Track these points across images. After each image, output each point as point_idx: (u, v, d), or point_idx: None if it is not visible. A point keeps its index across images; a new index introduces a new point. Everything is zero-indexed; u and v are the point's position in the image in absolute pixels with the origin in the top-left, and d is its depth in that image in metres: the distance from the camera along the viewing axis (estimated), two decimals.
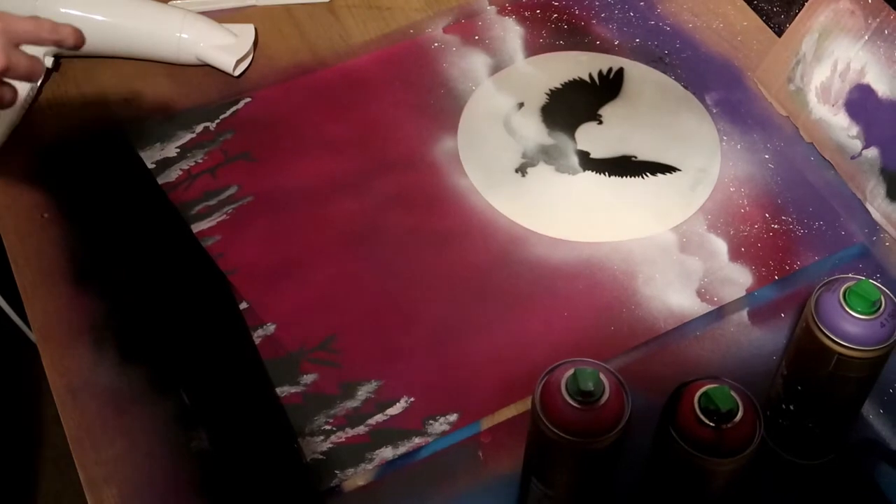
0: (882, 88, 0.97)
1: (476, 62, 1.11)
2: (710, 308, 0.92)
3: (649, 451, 0.73)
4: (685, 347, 0.89)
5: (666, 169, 1.02)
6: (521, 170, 1.02)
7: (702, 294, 0.93)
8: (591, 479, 0.72)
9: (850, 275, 0.77)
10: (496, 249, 0.96)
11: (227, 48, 1.08)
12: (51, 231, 0.96)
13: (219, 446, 0.83)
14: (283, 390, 0.86)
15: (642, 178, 1.02)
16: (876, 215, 0.98)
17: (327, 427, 0.84)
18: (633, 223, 0.98)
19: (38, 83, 1.05)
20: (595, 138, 1.05)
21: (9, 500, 1.50)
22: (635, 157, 1.03)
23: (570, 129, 1.05)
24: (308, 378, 0.87)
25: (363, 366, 0.88)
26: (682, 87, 1.09)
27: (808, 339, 0.74)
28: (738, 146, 1.04)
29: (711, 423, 0.67)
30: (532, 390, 0.69)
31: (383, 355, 0.88)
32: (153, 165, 1.01)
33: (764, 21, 1.15)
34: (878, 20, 0.97)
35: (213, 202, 0.98)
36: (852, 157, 1.00)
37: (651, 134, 1.05)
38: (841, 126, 1.00)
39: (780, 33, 1.11)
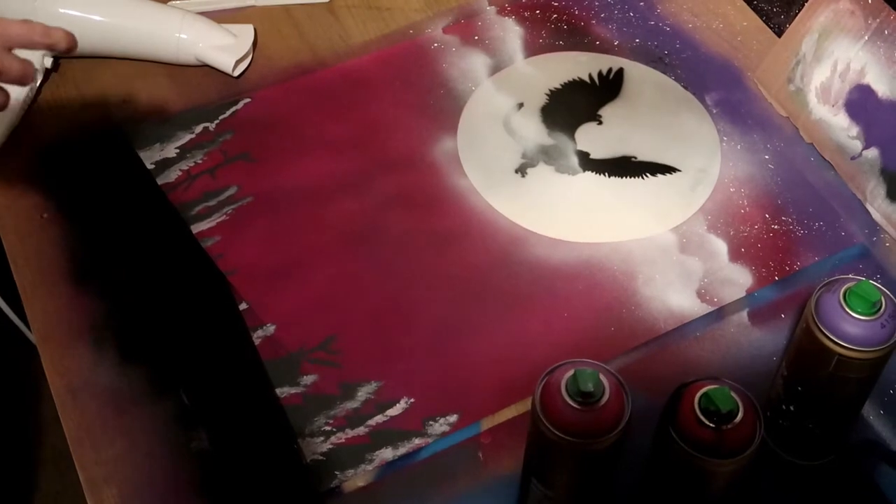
0: (882, 89, 0.97)
1: (476, 62, 1.11)
2: (710, 309, 0.92)
3: (649, 451, 0.73)
4: (685, 348, 0.89)
5: (666, 169, 1.02)
6: (521, 170, 1.02)
7: (702, 295, 0.93)
8: (591, 480, 0.72)
9: (850, 275, 0.77)
10: (496, 250, 0.96)
11: (226, 48, 1.08)
12: (50, 231, 0.96)
13: (219, 447, 0.83)
14: (282, 391, 0.86)
15: (642, 178, 1.02)
16: (876, 216, 0.98)
17: (327, 428, 0.84)
18: (632, 224, 0.98)
19: (38, 83, 1.05)
20: (595, 139, 1.05)
21: (8, 500, 1.50)
22: (635, 158, 1.03)
23: (569, 129, 1.05)
24: (308, 379, 0.87)
25: (363, 366, 0.87)
26: (681, 88, 1.09)
27: (809, 340, 0.74)
28: (738, 146, 1.04)
29: (712, 424, 0.67)
30: (532, 391, 0.69)
31: (383, 356, 0.88)
32: (153, 166, 1.01)
33: (764, 21, 1.15)
34: (878, 20, 0.97)
35: (212, 203, 0.98)
36: (852, 158, 1.00)
37: (651, 134, 1.05)
38: (841, 126, 1.00)
39: (779, 33, 1.11)
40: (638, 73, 1.10)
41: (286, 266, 0.94)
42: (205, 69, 1.09)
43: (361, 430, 0.84)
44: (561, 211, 0.99)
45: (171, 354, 0.88)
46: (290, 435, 0.83)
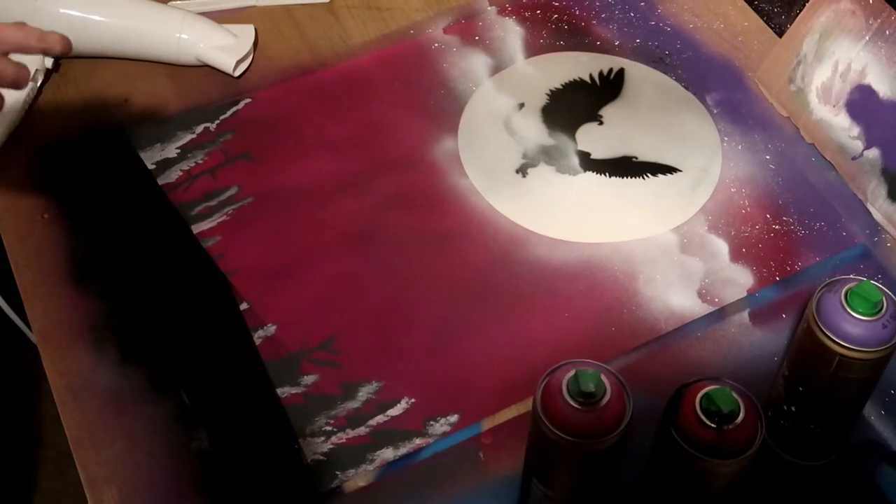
0: (883, 89, 0.97)
1: (476, 62, 1.11)
2: (711, 309, 0.92)
3: (650, 452, 0.73)
4: (686, 348, 0.89)
5: (667, 169, 1.02)
6: (522, 170, 1.02)
7: (703, 295, 0.93)
8: (592, 480, 0.72)
9: (851, 276, 0.77)
10: (496, 250, 0.96)
11: (227, 49, 1.08)
12: (51, 231, 0.96)
13: (219, 447, 0.83)
14: (283, 391, 0.86)
15: (643, 178, 1.02)
16: (877, 216, 0.98)
17: (328, 428, 0.84)
18: (633, 224, 0.98)
19: (39, 83, 1.05)
20: (596, 139, 1.05)
21: (9, 499, 1.50)
22: (636, 158, 1.03)
23: (570, 129, 1.05)
24: (309, 379, 0.87)
25: (364, 366, 0.87)
26: (682, 88, 1.09)
27: (810, 341, 0.74)
28: (739, 147, 1.04)
29: (713, 425, 0.66)
30: (533, 391, 0.69)
31: (384, 356, 0.88)
32: (153, 166, 1.01)
33: (765, 21, 1.15)
34: (879, 21, 0.97)
35: (213, 203, 0.98)
36: (853, 158, 1.00)
37: (652, 134, 1.05)
38: (842, 127, 1.00)
39: (780, 34, 1.11)
40: (639, 74, 1.10)
41: (287, 266, 0.94)
42: (205, 69, 1.09)
43: (362, 430, 0.84)
44: (562, 211, 0.99)
45: (172, 354, 0.88)
46: (291, 435, 0.83)
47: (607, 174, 1.02)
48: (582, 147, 1.04)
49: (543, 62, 1.11)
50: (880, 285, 0.73)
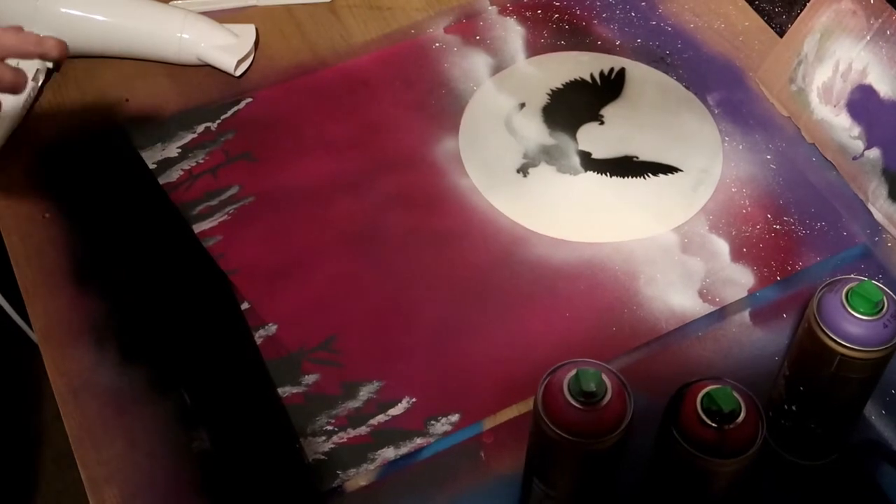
0: (884, 89, 0.97)
1: (477, 62, 1.11)
2: (711, 309, 0.92)
3: (651, 451, 0.73)
4: (687, 348, 0.89)
5: (667, 169, 1.02)
6: (523, 170, 1.02)
7: (703, 295, 0.93)
8: (593, 480, 0.72)
9: (852, 275, 0.77)
10: (497, 250, 0.96)
11: (228, 48, 1.08)
12: (52, 231, 0.96)
13: (220, 446, 0.83)
14: (284, 390, 0.86)
15: (644, 178, 1.02)
16: (878, 216, 0.98)
17: (329, 427, 0.84)
18: (634, 224, 0.98)
19: (40, 83, 1.05)
20: (596, 138, 1.05)
21: (10, 499, 1.50)
22: (637, 158, 1.03)
23: (571, 129, 1.05)
24: (309, 378, 0.87)
25: (365, 366, 0.87)
26: (683, 88, 1.09)
27: (811, 340, 0.74)
28: (740, 147, 1.04)
29: (714, 424, 0.67)
30: (534, 391, 0.69)
31: (385, 355, 0.88)
32: (154, 165, 1.01)
33: (765, 21, 1.15)
34: (880, 20, 0.97)
35: (214, 202, 0.98)
36: (854, 158, 1.00)
37: (652, 134, 1.05)
38: (843, 127, 1.00)
39: (781, 34, 1.11)
40: (639, 73, 1.10)
41: (288, 266, 0.94)
42: (206, 69, 1.09)
43: (363, 429, 0.84)
44: (562, 211, 0.99)
45: (173, 354, 0.88)
46: (292, 434, 0.83)
47: (608, 174, 1.02)
48: (583, 147, 1.04)
49: (544, 62, 1.11)
50: (881, 285, 0.73)
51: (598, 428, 0.67)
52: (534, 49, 1.12)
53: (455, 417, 0.85)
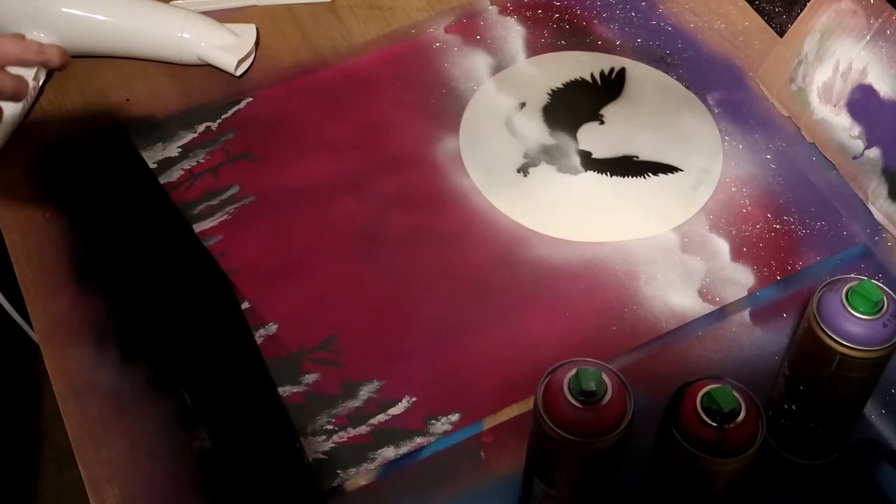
0: (884, 89, 0.97)
1: (477, 62, 1.11)
2: (711, 308, 0.92)
3: (652, 451, 0.73)
4: (687, 347, 0.89)
5: (668, 169, 1.02)
6: (523, 170, 1.02)
7: (703, 294, 0.93)
8: (593, 479, 0.72)
9: (852, 275, 0.77)
10: (498, 249, 0.96)
11: (228, 48, 1.08)
12: (52, 231, 0.96)
13: (220, 446, 0.83)
14: (284, 390, 0.86)
15: (644, 178, 1.02)
16: (878, 215, 0.98)
17: (329, 427, 0.84)
18: (634, 223, 0.98)
19: (40, 83, 1.05)
20: (597, 138, 1.05)
21: (10, 498, 1.50)
22: (637, 157, 1.03)
23: (571, 129, 1.05)
24: (310, 378, 0.87)
25: (365, 365, 0.87)
26: (683, 88, 1.09)
27: (811, 340, 0.74)
28: (740, 146, 1.04)
29: (714, 423, 0.67)
30: (534, 390, 0.69)
31: (385, 355, 0.88)
32: (155, 165, 1.01)
33: (766, 21, 1.15)
34: (880, 20, 0.97)
35: (214, 202, 0.98)
36: (854, 158, 1.00)
37: (653, 134, 1.05)
38: (843, 126, 1.00)
39: (781, 33, 1.11)
40: (640, 73, 1.10)
41: (288, 265, 0.94)
42: (207, 68, 1.09)
43: (363, 428, 0.84)
44: (563, 210, 0.99)
45: (173, 354, 0.88)
46: (292, 434, 0.83)
47: (608, 173, 1.02)
48: (583, 146, 1.04)
49: (545, 62, 1.11)
50: (881, 284, 0.73)
51: (598, 427, 0.67)
52: (534, 49, 1.12)
53: (455, 417, 0.85)
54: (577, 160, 1.03)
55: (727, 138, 1.04)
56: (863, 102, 0.99)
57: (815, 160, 1.03)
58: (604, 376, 0.67)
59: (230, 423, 0.85)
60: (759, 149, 1.04)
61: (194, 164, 1.01)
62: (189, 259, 0.94)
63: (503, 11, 1.16)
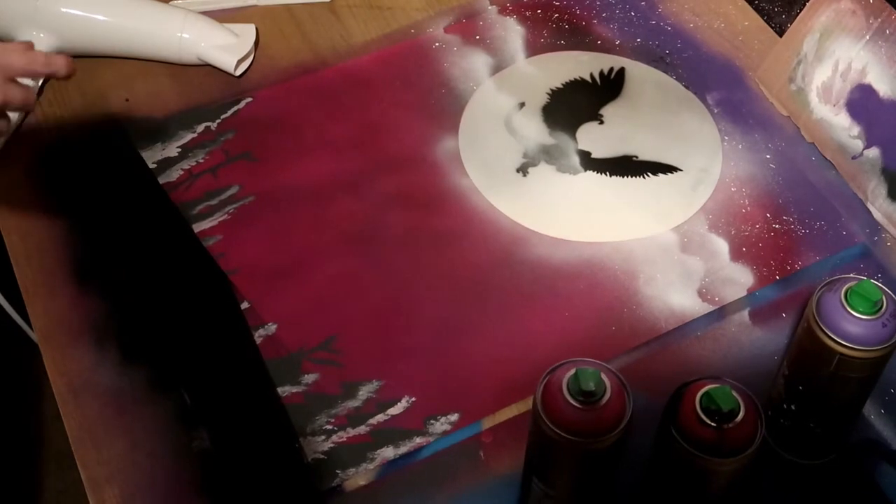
0: (883, 88, 0.97)
1: (477, 62, 1.11)
2: (711, 308, 0.92)
3: (651, 451, 0.73)
4: (686, 347, 0.89)
5: (667, 169, 1.02)
6: (523, 170, 1.02)
7: (703, 294, 0.93)
8: (592, 479, 0.72)
9: (851, 275, 0.77)
10: (497, 249, 0.96)
11: (228, 48, 1.08)
12: (52, 231, 0.96)
13: (220, 446, 0.83)
14: (284, 390, 0.86)
15: (643, 177, 1.02)
16: (877, 215, 0.98)
17: (328, 427, 0.84)
18: (634, 223, 0.98)
19: (40, 83, 1.05)
20: (596, 138, 1.05)
21: (10, 498, 1.50)
22: (636, 157, 1.03)
23: (571, 128, 1.05)
24: (309, 378, 0.87)
25: (364, 365, 0.88)
26: (683, 87, 1.09)
27: (810, 340, 0.74)
28: (740, 146, 1.04)
29: (713, 423, 0.67)
30: (533, 390, 0.69)
31: (384, 355, 0.88)
32: (154, 165, 1.01)
33: (765, 21, 1.15)
34: (879, 20, 0.97)
35: (214, 202, 0.98)
36: (853, 157, 1.00)
37: (652, 134, 1.05)
38: (842, 126, 1.00)
39: (781, 33, 1.11)
40: (639, 73, 1.10)
41: (287, 265, 0.94)
42: (207, 68, 1.09)
43: (363, 428, 0.84)
44: (562, 210, 0.99)
45: (173, 354, 0.88)
46: (292, 434, 0.83)
47: (608, 173, 1.02)
48: (582, 146, 1.04)
49: (544, 61, 1.11)
50: (880, 284, 0.73)
51: (597, 427, 0.67)
52: (533, 49, 1.12)
53: (454, 417, 0.85)
54: (576, 160, 1.03)
55: (726, 138, 1.04)
56: (862, 102, 0.99)
57: (815, 160, 1.03)
58: (603, 376, 0.67)
59: (230, 423, 0.85)
60: (758, 149, 1.04)
61: (194, 164, 1.01)
62: (188, 259, 0.94)
63: (502, 11, 1.16)
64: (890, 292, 0.73)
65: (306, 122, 1.05)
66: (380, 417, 0.84)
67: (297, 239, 0.96)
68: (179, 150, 1.02)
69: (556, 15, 1.15)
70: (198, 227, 0.96)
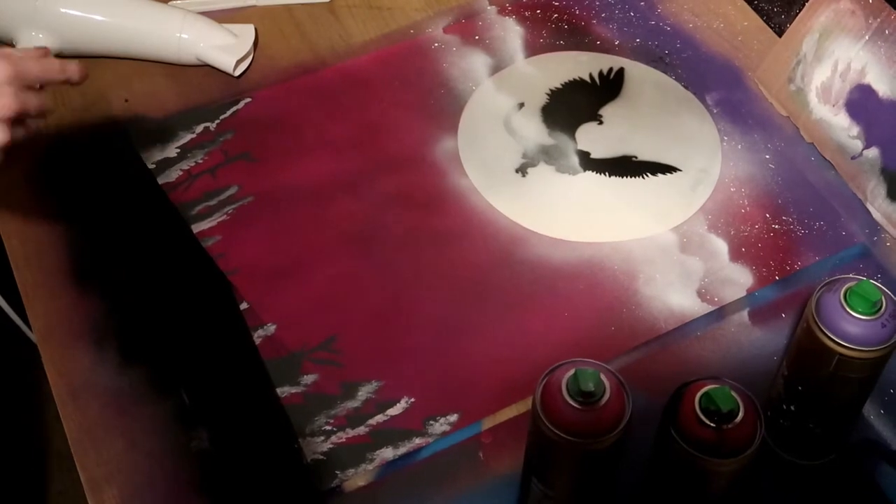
0: (883, 88, 0.97)
1: (476, 62, 1.11)
2: (710, 308, 0.92)
3: (650, 451, 0.73)
4: (686, 348, 0.89)
5: (666, 169, 1.02)
6: (522, 170, 1.02)
7: (702, 294, 0.93)
8: (591, 480, 0.72)
9: (850, 275, 0.77)
10: (496, 249, 0.96)
11: (227, 48, 1.08)
12: (51, 232, 0.96)
13: (219, 446, 0.83)
14: (283, 390, 0.86)
15: (643, 178, 1.02)
16: (876, 215, 0.98)
17: (328, 427, 0.84)
18: (633, 223, 0.98)
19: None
20: (595, 138, 1.05)
21: (10, 499, 1.50)
22: (636, 158, 1.03)
23: (570, 129, 1.05)
24: (309, 378, 0.87)
25: (364, 366, 0.87)
26: (682, 88, 1.09)
27: (809, 340, 0.74)
28: (739, 146, 1.04)
29: (712, 424, 0.67)
30: (532, 391, 0.69)
31: (384, 355, 0.88)
32: (153, 166, 1.01)
33: (764, 21, 1.15)
34: (878, 20, 0.97)
35: (213, 202, 0.98)
36: (853, 158, 1.00)
37: (651, 134, 1.05)
38: (841, 126, 1.00)
39: (780, 33, 1.11)
40: (638, 73, 1.10)
41: (287, 266, 0.94)
42: (206, 69, 1.09)
43: (362, 429, 0.84)
44: (561, 210, 0.99)
45: (172, 354, 0.88)
46: (291, 434, 0.83)
47: (607, 174, 1.02)
48: (582, 146, 1.04)
49: (543, 62, 1.11)
50: (879, 285, 0.73)
51: (597, 428, 0.67)
52: (533, 49, 1.12)
53: (454, 417, 0.85)
54: (575, 160, 1.03)
55: (726, 138, 1.04)
56: (861, 102, 0.99)
57: (814, 160, 1.03)
58: (602, 377, 0.67)
59: (229, 423, 0.85)
60: (757, 149, 1.04)
61: (193, 164, 1.01)
62: (188, 260, 0.94)
63: (502, 11, 1.16)
64: (889, 293, 0.73)
65: (305, 122, 1.05)
66: (379, 418, 0.84)
67: (296, 239, 0.96)
68: (178, 150, 1.02)
69: (556, 15, 1.15)
70: (197, 228, 0.96)
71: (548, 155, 1.03)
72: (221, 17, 1.12)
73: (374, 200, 0.99)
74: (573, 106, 1.07)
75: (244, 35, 1.10)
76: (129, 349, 0.88)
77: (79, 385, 0.86)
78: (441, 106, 1.07)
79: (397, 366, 0.88)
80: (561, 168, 1.02)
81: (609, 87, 1.09)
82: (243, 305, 0.91)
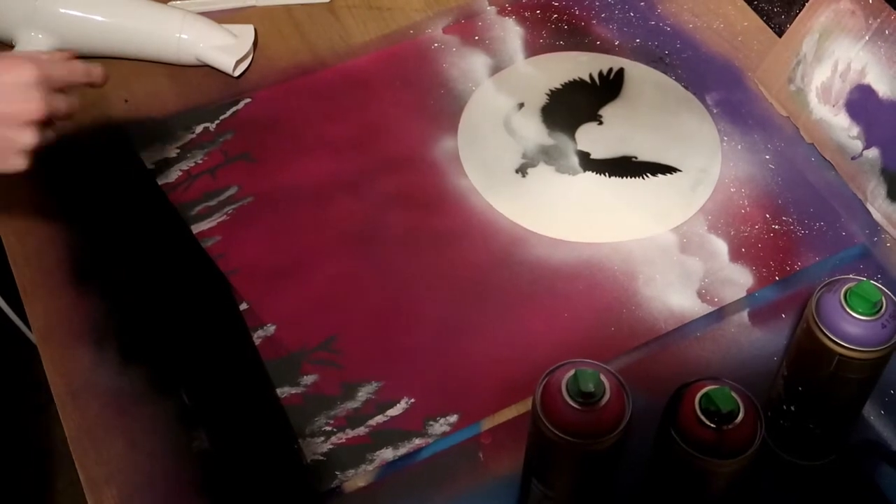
0: (883, 89, 0.97)
1: (476, 62, 1.11)
2: (710, 309, 0.92)
3: (650, 452, 0.73)
4: (686, 348, 0.89)
5: (666, 169, 1.02)
6: (522, 170, 1.02)
7: (702, 295, 0.93)
8: (591, 481, 0.72)
9: (850, 275, 0.77)
10: (496, 250, 0.96)
11: (226, 49, 1.08)
12: (51, 232, 0.96)
13: (219, 447, 0.83)
14: (283, 391, 0.86)
15: (643, 178, 1.02)
16: (877, 216, 0.98)
17: (328, 428, 0.84)
18: (633, 224, 0.98)
19: None
20: (595, 139, 1.05)
21: (10, 498, 1.50)
22: (636, 158, 1.03)
23: (570, 129, 1.05)
24: (308, 379, 0.87)
25: (364, 366, 0.87)
26: (682, 88, 1.09)
27: (809, 340, 0.74)
28: (739, 147, 1.04)
29: (712, 424, 0.67)
30: (532, 391, 0.69)
31: (384, 356, 0.88)
32: (153, 166, 1.01)
33: (764, 21, 1.15)
34: (878, 20, 0.97)
35: (213, 203, 0.98)
36: (853, 158, 1.00)
37: (651, 134, 1.05)
38: (841, 126, 1.00)
39: (780, 34, 1.11)
40: (638, 73, 1.10)
41: (287, 266, 0.94)
42: (205, 69, 1.09)
43: (362, 430, 0.84)
44: (561, 211, 0.99)
45: (172, 354, 0.88)
46: (291, 435, 0.83)
47: (607, 174, 1.02)
48: (581, 147, 1.04)
49: (543, 62, 1.11)
50: (880, 285, 0.73)
51: (597, 428, 0.67)
52: (532, 49, 1.12)
53: (453, 418, 0.85)
54: (575, 161, 1.03)
55: (726, 139, 1.04)
56: (861, 102, 0.99)
57: (814, 160, 1.03)
58: (602, 377, 0.67)
59: (229, 424, 0.85)
60: (757, 149, 1.04)
61: (192, 164, 1.01)
62: (187, 260, 0.94)
63: (501, 12, 1.16)
64: (889, 293, 0.73)
65: (305, 122, 1.05)
66: (379, 418, 0.84)
67: (296, 239, 0.96)
68: (178, 150, 1.02)
69: (555, 15, 1.15)
70: (197, 228, 0.96)
71: (548, 155, 1.03)
72: (221, 17, 1.12)
73: (374, 201, 0.99)
74: (573, 106, 1.07)
75: (244, 35, 1.10)
76: (129, 349, 0.88)
77: (79, 385, 0.86)
78: (441, 106, 1.07)
79: (397, 366, 0.88)
80: (561, 168, 1.02)
81: (609, 87, 1.09)
82: (243, 306, 0.91)
